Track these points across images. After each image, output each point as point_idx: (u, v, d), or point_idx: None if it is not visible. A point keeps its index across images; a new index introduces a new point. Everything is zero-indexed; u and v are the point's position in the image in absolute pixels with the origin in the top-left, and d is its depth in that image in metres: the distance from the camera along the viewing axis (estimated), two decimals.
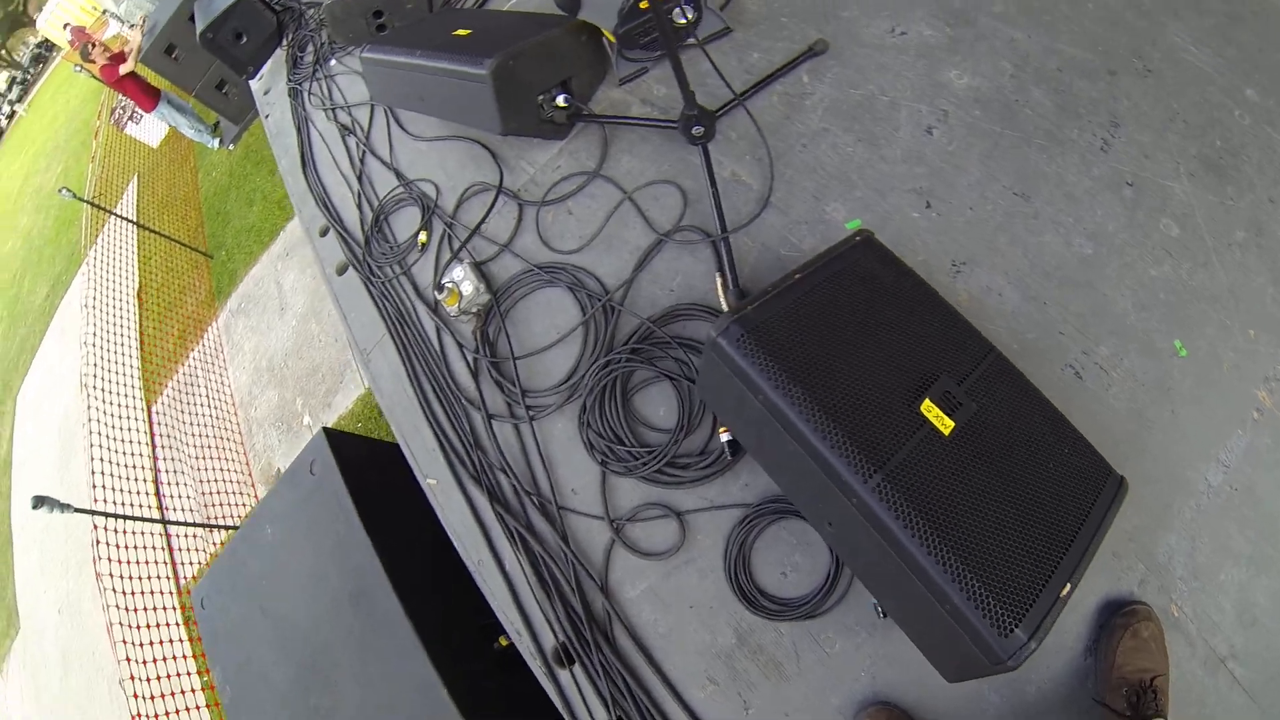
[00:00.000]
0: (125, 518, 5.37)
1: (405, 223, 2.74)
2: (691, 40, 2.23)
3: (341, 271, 2.82)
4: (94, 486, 5.94)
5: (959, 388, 1.43)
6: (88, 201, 7.96)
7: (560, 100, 2.30)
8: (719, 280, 1.96)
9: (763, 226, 2.03)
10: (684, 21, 2.28)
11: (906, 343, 1.50)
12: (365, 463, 2.58)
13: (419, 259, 2.56)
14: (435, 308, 2.39)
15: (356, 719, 2.26)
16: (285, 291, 7.27)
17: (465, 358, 2.25)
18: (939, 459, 1.35)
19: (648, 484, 1.89)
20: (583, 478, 1.96)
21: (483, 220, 2.42)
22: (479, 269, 2.31)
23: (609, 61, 2.51)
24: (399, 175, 2.84)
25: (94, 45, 8.89)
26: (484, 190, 2.54)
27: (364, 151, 3.12)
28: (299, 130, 3.71)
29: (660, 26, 1.91)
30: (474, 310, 2.24)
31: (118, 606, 5.29)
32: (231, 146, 9.51)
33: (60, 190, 7.94)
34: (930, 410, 1.39)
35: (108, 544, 5.48)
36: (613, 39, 2.36)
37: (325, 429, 2.53)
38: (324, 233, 3.02)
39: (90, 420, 6.73)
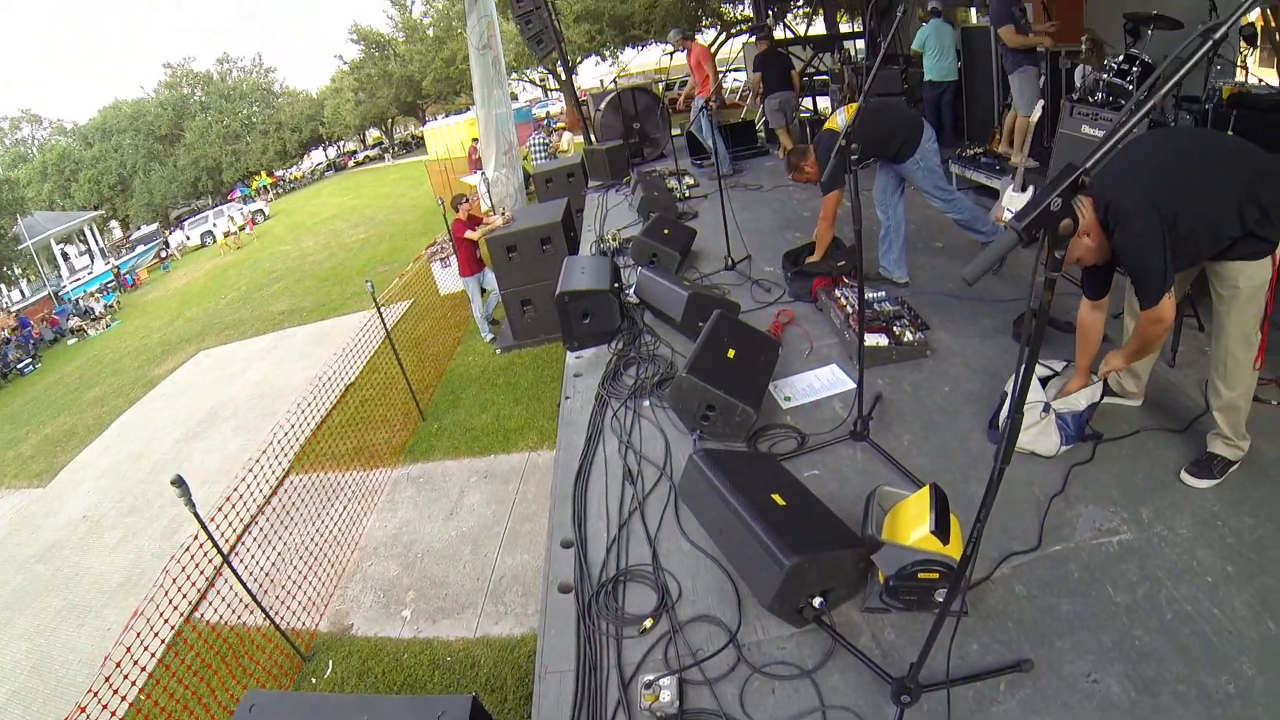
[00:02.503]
0: (215, 545, 5.44)
1: (636, 595, 2.99)
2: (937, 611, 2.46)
3: (563, 591, 3.07)
4: (224, 499, 6.18)
5: None
6: (375, 302, 8.60)
7: (816, 603, 2.57)
8: None
9: None
10: (938, 600, 2.54)
11: None
12: None
13: (633, 637, 2.79)
14: (626, 688, 2.59)
15: None
16: (464, 503, 7.44)
17: None
18: None
19: None
20: None
21: (709, 657, 2.64)
22: (682, 686, 2.53)
23: (865, 589, 2.79)
24: (655, 556, 3.13)
25: (466, 200, 10.09)
26: (716, 625, 2.78)
27: (637, 508, 3.44)
28: (589, 439, 4.04)
29: (944, 609, 2.12)
30: (659, 715, 2.44)
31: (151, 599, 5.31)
32: (498, 351, 10.14)
33: (366, 281, 8.76)
34: None
35: (187, 549, 5.57)
36: (882, 580, 2.63)
37: (475, 699, 2.71)
38: (566, 546, 3.30)
39: (262, 453, 7.00)
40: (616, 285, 5.14)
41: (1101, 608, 2.56)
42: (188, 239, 38.31)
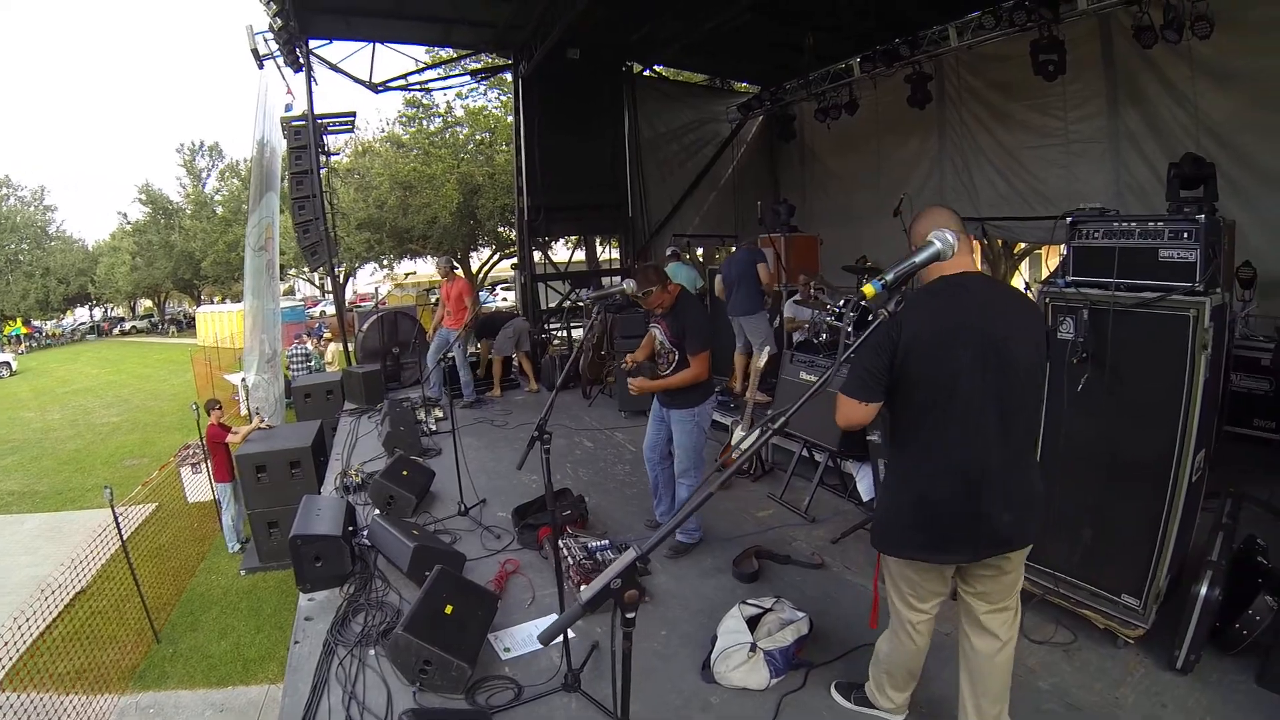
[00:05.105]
0: None
1: None
2: None
3: None
4: None
5: None
6: (113, 512, 7.99)
7: None
8: None
9: None
10: None
11: None
12: None
13: None
14: None
15: None
16: None
17: None
18: None
19: None
20: None
21: None
22: None
23: None
24: None
25: (219, 406, 9.89)
26: None
27: None
28: (314, 688, 3.99)
29: None
30: None
31: None
32: (243, 573, 9.50)
33: (105, 488, 8.16)
34: None
35: None
36: None
37: None
38: None
39: None
40: (351, 529, 5.22)
41: None
42: None
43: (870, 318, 2.38)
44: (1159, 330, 3.62)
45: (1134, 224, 3.81)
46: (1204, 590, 3.52)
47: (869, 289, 2.21)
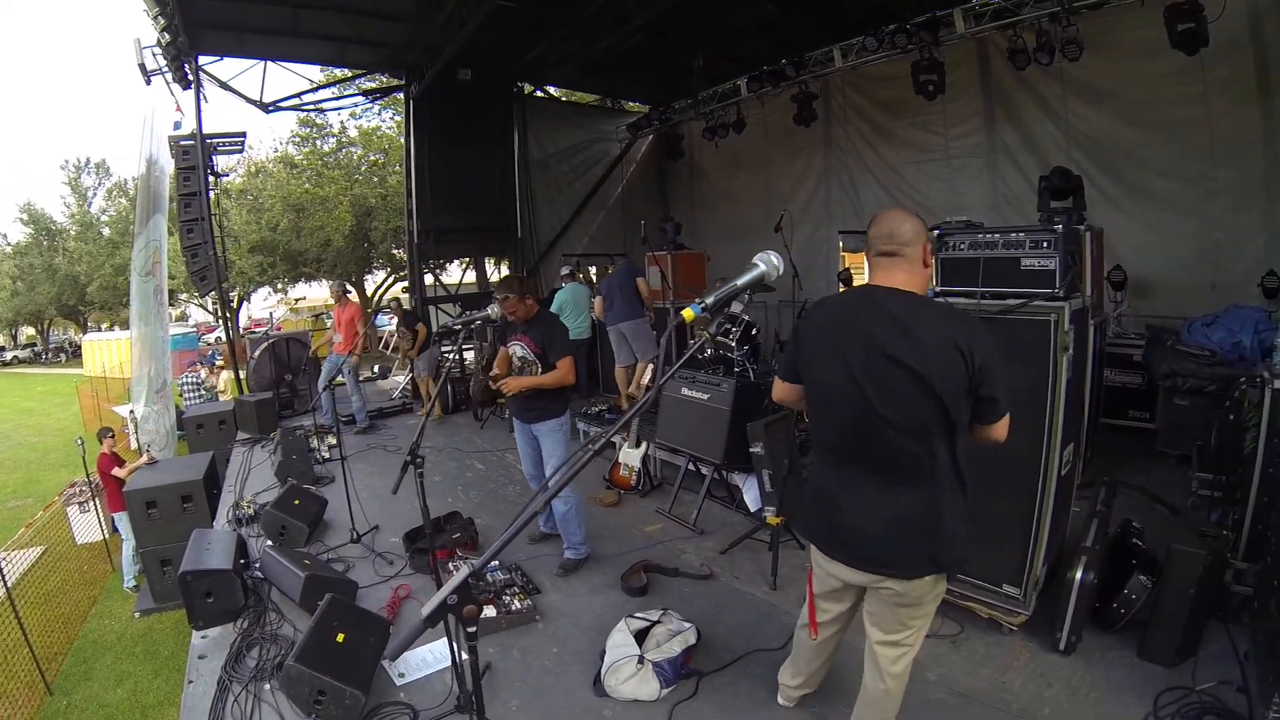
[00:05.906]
0: None
1: None
2: None
3: None
4: None
5: None
6: None
7: None
8: None
9: None
10: None
11: None
12: None
13: None
14: None
15: None
16: None
17: None
18: None
19: None
20: None
21: None
22: None
23: None
24: None
25: (111, 434, 9.59)
26: None
27: None
28: None
29: None
30: None
31: None
32: (137, 615, 9.07)
33: None
34: None
35: None
36: None
37: None
38: None
39: None
40: (242, 562, 5.21)
41: None
42: None
43: (691, 339, 2.48)
44: (1023, 335, 3.85)
45: (997, 235, 4.05)
46: (1079, 575, 3.84)
47: (688, 312, 2.25)
